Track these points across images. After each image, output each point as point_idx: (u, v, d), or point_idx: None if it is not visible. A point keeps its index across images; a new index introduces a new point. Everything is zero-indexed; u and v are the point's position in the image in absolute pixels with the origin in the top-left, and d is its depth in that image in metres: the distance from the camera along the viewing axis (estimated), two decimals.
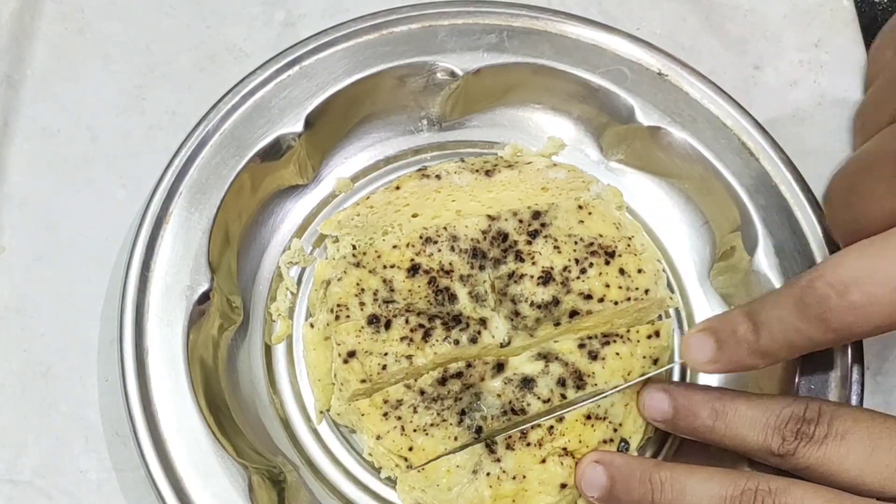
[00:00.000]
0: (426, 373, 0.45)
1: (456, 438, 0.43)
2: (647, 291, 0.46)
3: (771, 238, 0.46)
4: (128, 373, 0.42)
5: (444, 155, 0.52)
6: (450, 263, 0.46)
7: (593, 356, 0.45)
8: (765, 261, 0.46)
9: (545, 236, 0.47)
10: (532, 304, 0.45)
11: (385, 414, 0.44)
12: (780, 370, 0.45)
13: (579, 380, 0.44)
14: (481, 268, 0.46)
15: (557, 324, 0.45)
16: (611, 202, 0.50)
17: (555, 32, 0.50)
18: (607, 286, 0.46)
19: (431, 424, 0.43)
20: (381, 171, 0.52)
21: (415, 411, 0.44)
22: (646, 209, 0.51)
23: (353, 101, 0.49)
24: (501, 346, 0.45)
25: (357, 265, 0.46)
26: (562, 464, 0.43)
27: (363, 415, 0.44)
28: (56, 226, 0.50)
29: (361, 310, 0.45)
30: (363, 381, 0.44)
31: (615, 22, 0.52)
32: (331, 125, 0.49)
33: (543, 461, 0.43)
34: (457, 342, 0.44)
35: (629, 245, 0.47)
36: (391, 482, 0.45)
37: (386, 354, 0.44)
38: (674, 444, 0.47)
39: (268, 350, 0.48)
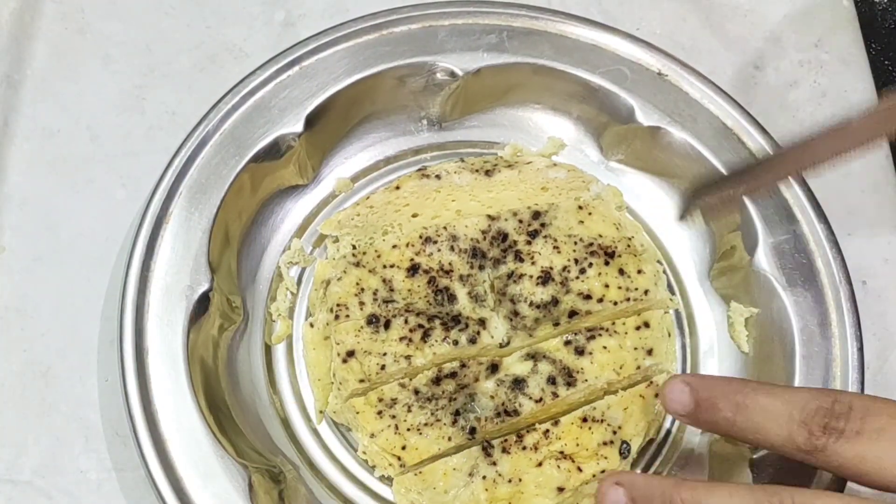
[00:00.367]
0: (424, 372, 0.45)
1: (450, 439, 0.43)
2: (646, 292, 0.46)
3: (771, 238, 0.46)
4: (128, 373, 0.42)
5: (444, 155, 0.52)
6: (449, 263, 0.46)
7: (579, 352, 0.45)
8: (765, 260, 0.46)
9: (545, 236, 0.47)
10: (531, 304, 0.45)
11: (379, 412, 0.44)
12: (779, 372, 0.45)
13: (569, 377, 0.44)
14: (481, 268, 0.46)
15: (557, 324, 0.45)
16: (611, 202, 0.50)
17: (555, 32, 0.50)
18: (607, 286, 0.46)
19: (425, 424, 0.44)
20: (381, 171, 0.52)
21: (409, 410, 0.44)
22: (646, 209, 0.51)
23: (353, 101, 0.49)
24: (500, 346, 0.45)
25: (357, 265, 0.46)
26: (559, 467, 0.43)
27: (358, 412, 0.44)
28: (56, 226, 0.50)
29: (361, 309, 0.45)
30: (362, 380, 0.44)
31: (615, 22, 0.52)
32: (331, 125, 0.49)
33: (540, 464, 0.43)
34: (456, 342, 0.44)
35: (629, 245, 0.47)
36: (389, 481, 0.45)
37: (385, 354, 0.44)
38: (675, 444, 0.47)
39: (268, 350, 0.48)
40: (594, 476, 0.43)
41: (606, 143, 0.52)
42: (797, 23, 0.56)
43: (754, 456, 0.43)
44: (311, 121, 0.48)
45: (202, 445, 0.42)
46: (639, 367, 0.45)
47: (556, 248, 0.46)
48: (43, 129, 0.52)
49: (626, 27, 0.51)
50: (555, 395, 0.44)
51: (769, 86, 0.54)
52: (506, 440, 0.44)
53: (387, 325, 0.45)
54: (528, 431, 0.44)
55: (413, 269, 0.46)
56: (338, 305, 0.45)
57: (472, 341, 0.44)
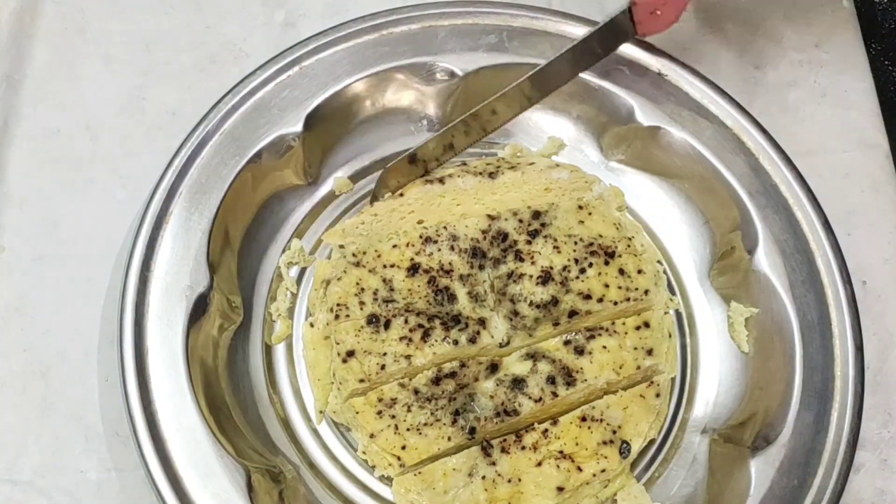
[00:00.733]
0: (423, 372, 0.45)
1: (449, 439, 0.43)
2: (646, 292, 0.46)
3: (771, 237, 0.46)
4: (128, 373, 0.42)
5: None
6: (449, 263, 0.46)
7: (579, 351, 0.45)
8: (765, 260, 0.46)
9: (545, 236, 0.47)
10: (531, 303, 0.45)
11: (379, 412, 0.44)
12: (779, 372, 0.45)
13: (569, 376, 0.44)
14: (481, 267, 0.46)
15: (556, 323, 0.45)
16: (611, 202, 0.50)
17: (554, 32, 0.50)
18: (606, 286, 0.46)
19: (425, 424, 0.44)
20: (380, 172, 0.51)
21: (409, 410, 0.44)
22: (646, 209, 0.51)
23: (353, 102, 0.49)
24: (500, 345, 0.45)
25: (357, 265, 0.46)
26: (558, 467, 0.43)
27: (357, 412, 0.44)
28: (56, 226, 0.50)
29: (361, 309, 0.45)
30: (361, 380, 0.44)
31: None
32: (331, 125, 0.49)
33: (539, 464, 0.43)
34: (456, 342, 0.44)
35: (629, 245, 0.47)
36: (389, 481, 0.45)
37: (385, 354, 0.44)
38: (675, 445, 0.47)
39: (268, 350, 0.48)
40: (594, 476, 0.43)
41: (606, 143, 0.52)
42: (797, 23, 0.56)
43: (753, 458, 0.43)
44: (311, 121, 0.48)
45: (202, 445, 0.42)
46: (639, 367, 0.45)
47: (556, 247, 0.46)
48: (43, 129, 0.52)
49: None
50: (554, 394, 0.44)
51: (769, 86, 0.54)
52: (505, 440, 0.44)
53: (387, 325, 0.45)
54: (527, 431, 0.44)
55: (413, 269, 0.46)
56: (338, 305, 0.45)
57: (472, 341, 0.44)
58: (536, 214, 0.47)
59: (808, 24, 0.56)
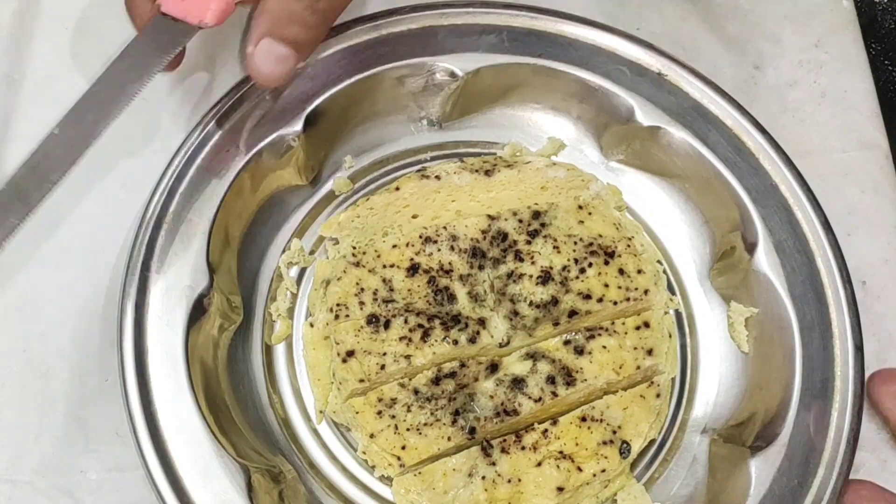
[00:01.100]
0: (423, 372, 0.45)
1: (449, 439, 0.43)
2: (646, 292, 0.46)
3: (771, 237, 0.46)
4: (128, 373, 0.42)
5: (444, 155, 0.52)
6: (449, 263, 0.46)
7: (579, 351, 0.45)
8: (764, 260, 0.46)
9: (545, 236, 0.47)
10: (531, 303, 0.45)
11: (379, 412, 0.44)
12: (779, 372, 0.45)
13: (568, 376, 0.44)
14: (481, 267, 0.46)
15: (556, 323, 0.45)
16: (610, 202, 0.50)
17: (554, 32, 0.50)
18: (606, 286, 0.46)
19: (425, 424, 0.44)
20: (380, 172, 0.52)
21: (409, 410, 0.44)
22: (645, 209, 0.51)
23: (352, 102, 0.49)
24: (500, 345, 0.45)
25: (357, 265, 0.46)
26: (558, 467, 0.43)
27: (357, 412, 0.44)
28: (56, 226, 0.50)
29: (361, 309, 0.45)
30: (361, 380, 0.44)
31: (615, 22, 0.51)
32: (331, 125, 0.49)
33: (539, 464, 0.43)
34: (455, 342, 0.44)
35: (629, 245, 0.47)
36: (389, 481, 0.45)
37: (385, 354, 0.44)
38: (675, 445, 0.47)
39: (268, 350, 0.48)
40: (594, 476, 0.43)
41: (606, 142, 0.52)
42: (797, 23, 0.56)
43: (753, 458, 0.43)
44: (310, 121, 0.48)
45: (202, 445, 0.42)
46: (639, 367, 0.45)
47: (555, 247, 0.46)
48: (43, 129, 0.52)
49: (627, 27, 0.51)
50: (554, 394, 0.44)
51: (769, 86, 0.54)
52: (505, 440, 0.44)
53: (386, 325, 0.45)
54: (527, 431, 0.44)
55: (413, 269, 0.46)
56: (337, 305, 0.45)
57: (472, 341, 0.44)
58: (536, 214, 0.47)
59: (808, 24, 0.56)
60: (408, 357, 0.44)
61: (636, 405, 0.45)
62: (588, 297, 0.46)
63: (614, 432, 0.44)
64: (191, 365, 0.43)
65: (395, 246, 0.47)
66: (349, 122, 0.51)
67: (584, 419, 0.44)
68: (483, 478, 0.43)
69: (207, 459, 0.41)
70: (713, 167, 0.48)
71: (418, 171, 0.50)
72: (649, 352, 0.46)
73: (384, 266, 0.46)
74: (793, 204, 0.47)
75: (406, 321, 0.45)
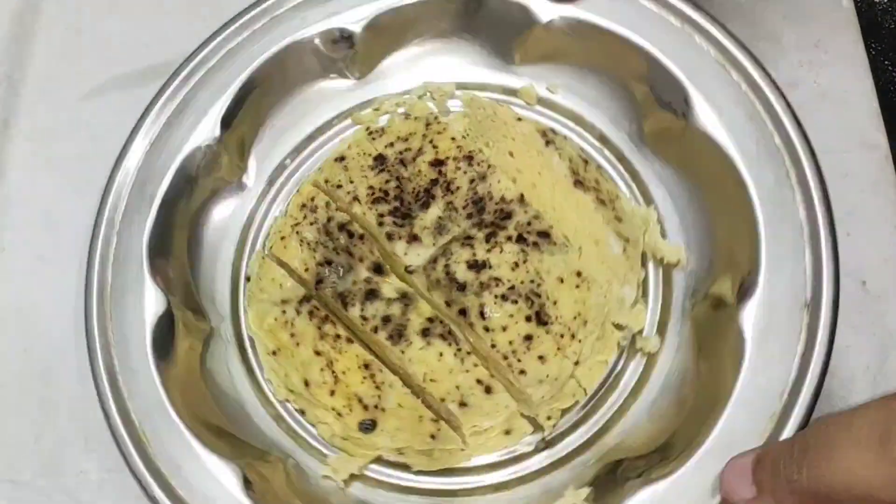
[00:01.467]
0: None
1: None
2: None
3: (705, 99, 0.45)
4: (112, 417, 0.42)
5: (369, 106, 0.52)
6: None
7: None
8: (703, 119, 0.45)
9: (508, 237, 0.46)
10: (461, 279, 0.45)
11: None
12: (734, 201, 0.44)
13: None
14: (469, 216, 0.46)
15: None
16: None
17: None
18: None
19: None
20: (317, 143, 0.52)
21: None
22: (564, 97, 0.51)
23: (262, 91, 0.49)
24: (406, 269, 0.46)
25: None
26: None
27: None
28: (56, 226, 0.50)
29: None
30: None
31: None
32: (247, 118, 0.49)
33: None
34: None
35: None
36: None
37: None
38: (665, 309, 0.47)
39: (243, 350, 0.48)
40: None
41: (519, 54, 0.51)
42: (797, 23, 0.56)
43: (741, 311, 0.42)
44: (226, 121, 0.47)
45: (193, 453, 0.41)
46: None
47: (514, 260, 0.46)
48: (43, 129, 0.52)
49: None
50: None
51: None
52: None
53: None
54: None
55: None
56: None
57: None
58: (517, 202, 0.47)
59: (808, 24, 0.56)
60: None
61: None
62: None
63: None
64: (169, 389, 0.43)
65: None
66: (264, 109, 0.50)
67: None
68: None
69: (201, 465, 0.41)
70: (615, 34, 0.47)
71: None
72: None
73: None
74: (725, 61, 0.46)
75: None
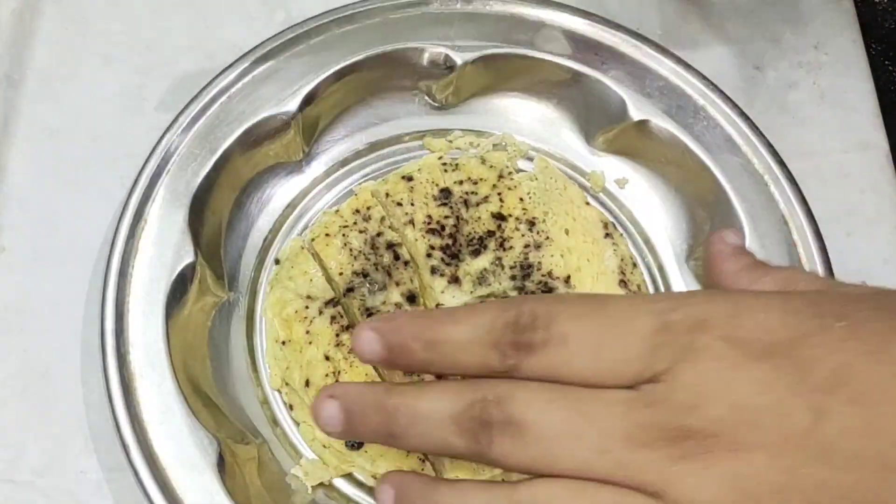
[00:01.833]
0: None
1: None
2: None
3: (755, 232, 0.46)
4: (109, 359, 0.42)
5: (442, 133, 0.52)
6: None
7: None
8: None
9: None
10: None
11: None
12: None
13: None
14: (513, 278, 0.46)
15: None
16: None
17: (548, 21, 0.50)
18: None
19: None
20: (383, 153, 0.52)
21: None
22: (626, 194, 0.51)
23: (353, 82, 0.49)
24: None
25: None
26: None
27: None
28: (56, 226, 0.50)
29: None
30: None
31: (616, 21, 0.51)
32: (328, 105, 0.50)
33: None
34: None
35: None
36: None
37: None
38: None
39: (250, 328, 0.48)
40: None
41: (591, 131, 0.52)
42: (797, 24, 0.56)
43: None
44: (307, 100, 0.48)
45: (176, 415, 0.42)
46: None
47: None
48: (43, 129, 0.52)
49: (627, 27, 0.51)
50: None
51: (769, 86, 0.54)
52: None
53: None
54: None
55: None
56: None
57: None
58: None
59: (808, 24, 0.56)
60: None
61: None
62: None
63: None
64: (171, 338, 0.43)
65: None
66: (344, 103, 0.51)
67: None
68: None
69: (179, 427, 0.41)
70: (698, 158, 0.48)
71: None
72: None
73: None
74: (782, 205, 0.47)
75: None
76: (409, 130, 0.52)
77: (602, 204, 0.51)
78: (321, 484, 0.44)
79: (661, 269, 0.50)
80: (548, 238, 0.47)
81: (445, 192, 0.48)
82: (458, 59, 0.49)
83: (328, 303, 0.46)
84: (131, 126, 0.52)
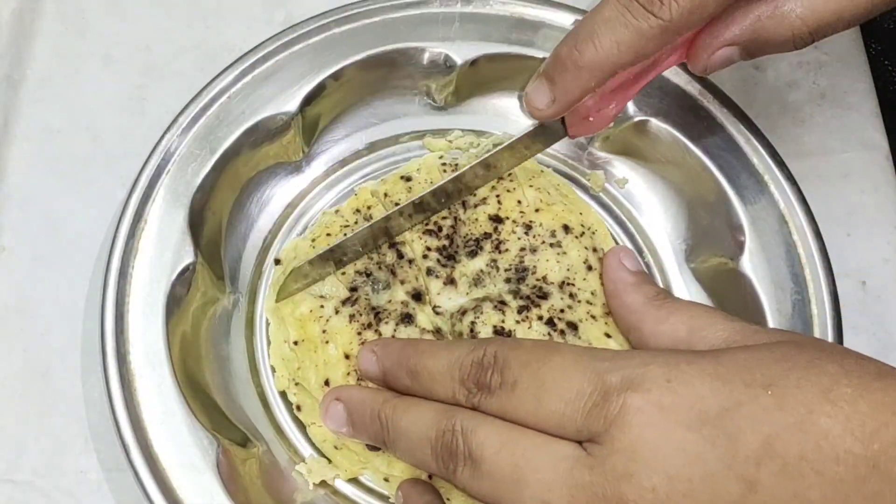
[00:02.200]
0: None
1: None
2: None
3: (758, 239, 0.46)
4: (109, 359, 0.42)
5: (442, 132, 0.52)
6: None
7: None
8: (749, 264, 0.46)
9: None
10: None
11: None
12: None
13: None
14: (508, 281, 0.46)
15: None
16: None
17: (549, 22, 0.50)
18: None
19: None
20: (382, 153, 0.52)
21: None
22: (626, 194, 0.51)
23: (353, 83, 0.49)
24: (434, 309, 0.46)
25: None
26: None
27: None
28: (56, 226, 0.50)
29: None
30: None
31: None
32: (327, 105, 0.50)
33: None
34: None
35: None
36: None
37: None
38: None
39: (250, 329, 0.48)
40: None
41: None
42: None
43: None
44: (308, 100, 0.48)
45: (175, 415, 0.41)
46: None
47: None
48: (43, 129, 0.52)
49: None
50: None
51: (769, 86, 0.54)
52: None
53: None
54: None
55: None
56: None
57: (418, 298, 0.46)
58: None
59: None
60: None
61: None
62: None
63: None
64: (171, 338, 0.43)
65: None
66: (343, 103, 0.51)
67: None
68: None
69: (179, 427, 0.41)
70: (698, 158, 0.48)
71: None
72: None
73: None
74: (782, 205, 0.47)
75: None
76: (408, 130, 0.52)
77: (602, 204, 0.51)
78: (324, 484, 0.44)
79: (661, 269, 0.50)
80: (543, 242, 0.47)
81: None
82: (458, 59, 0.49)
83: (344, 301, 0.46)
84: (131, 126, 0.52)
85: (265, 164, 0.49)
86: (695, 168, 0.48)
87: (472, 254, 0.47)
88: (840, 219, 0.50)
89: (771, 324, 0.45)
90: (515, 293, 0.45)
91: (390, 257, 0.46)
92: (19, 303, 0.48)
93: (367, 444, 0.43)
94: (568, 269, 0.46)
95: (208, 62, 0.53)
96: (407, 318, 0.45)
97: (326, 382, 0.44)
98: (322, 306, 0.45)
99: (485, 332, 0.44)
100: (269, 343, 0.47)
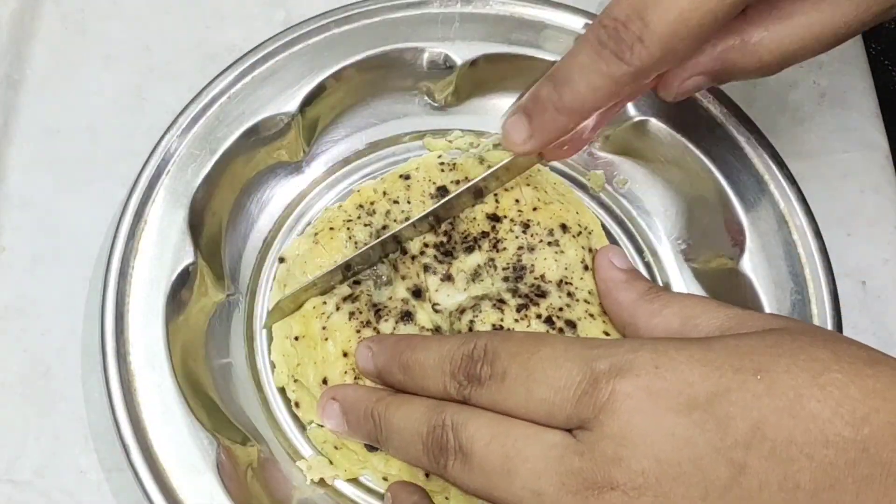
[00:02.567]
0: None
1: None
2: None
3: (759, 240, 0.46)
4: (109, 360, 0.42)
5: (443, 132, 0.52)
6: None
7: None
8: (748, 264, 0.46)
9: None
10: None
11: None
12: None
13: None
14: (506, 279, 0.46)
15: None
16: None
17: (551, 23, 0.50)
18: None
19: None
20: (383, 153, 0.52)
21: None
22: (628, 195, 0.51)
23: (353, 82, 0.49)
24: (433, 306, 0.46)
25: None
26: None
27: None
28: (56, 226, 0.50)
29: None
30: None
31: None
32: (327, 105, 0.50)
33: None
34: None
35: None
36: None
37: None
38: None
39: (249, 327, 0.48)
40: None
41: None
42: None
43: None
44: (307, 101, 0.48)
45: (176, 416, 0.41)
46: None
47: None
48: (43, 129, 0.52)
49: None
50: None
51: (769, 86, 0.54)
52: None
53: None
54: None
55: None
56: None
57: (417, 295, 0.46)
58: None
59: None
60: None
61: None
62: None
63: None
64: (171, 338, 0.43)
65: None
66: (344, 103, 0.51)
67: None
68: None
69: (179, 427, 0.41)
70: (698, 158, 0.48)
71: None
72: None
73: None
74: (782, 205, 0.47)
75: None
76: (408, 130, 0.52)
77: (602, 204, 0.51)
78: (323, 483, 0.44)
79: (661, 269, 0.50)
80: (541, 241, 0.47)
81: (442, 191, 0.48)
82: (458, 59, 0.49)
83: (346, 298, 0.46)
84: (131, 126, 0.52)
85: (265, 164, 0.49)
86: (695, 168, 0.48)
87: (470, 250, 0.47)
88: (840, 219, 0.50)
89: None
90: (514, 292, 0.45)
91: (391, 248, 0.47)
92: (19, 303, 0.48)
93: (365, 444, 0.43)
94: (566, 268, 0.46)
95: (208, 62, 0.53)
96: (407, 316, 0.45)
97: (324, 381, 0.44)
98: (325, 302, 0.45)
99: (484, 330, 0.44)
100: (269, 343, 0.47)
